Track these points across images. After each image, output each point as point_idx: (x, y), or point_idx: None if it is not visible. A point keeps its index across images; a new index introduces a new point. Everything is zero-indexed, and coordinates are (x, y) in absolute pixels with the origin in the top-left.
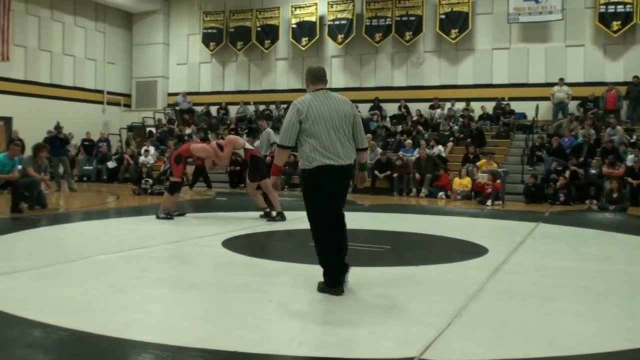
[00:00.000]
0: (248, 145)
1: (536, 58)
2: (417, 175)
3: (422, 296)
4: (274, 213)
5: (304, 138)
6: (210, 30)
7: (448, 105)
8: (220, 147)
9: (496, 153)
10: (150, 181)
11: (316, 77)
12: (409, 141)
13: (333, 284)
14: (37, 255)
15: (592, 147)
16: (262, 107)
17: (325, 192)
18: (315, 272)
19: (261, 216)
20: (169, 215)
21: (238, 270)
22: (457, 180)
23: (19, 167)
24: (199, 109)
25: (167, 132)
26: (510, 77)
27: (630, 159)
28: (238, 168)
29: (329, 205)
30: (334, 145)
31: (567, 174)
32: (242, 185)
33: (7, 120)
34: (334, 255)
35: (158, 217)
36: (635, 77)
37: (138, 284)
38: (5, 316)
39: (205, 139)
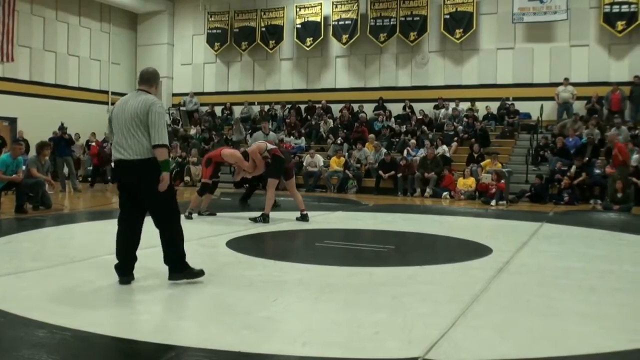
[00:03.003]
0: (270, 145)
1: (541, 58)
2: (426, 174)
3: (426, 296)
4: (258, 214)
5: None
6: (214, 31)
7: (452, 105)
8: (246, 155)
9: (500, 153)
10: None
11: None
12: (413, 141)
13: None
14: (42, 255)
15: (596, 147)
16: (266, 108)
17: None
18: (321, 273)
19: (297, 218)
20: (189, 216)
21: (242, 270)
22: (461, 180)
23: (23, 167)
24: (203, 109)
25: (172, 132)
26: (514, 77)
27: (635, 158)
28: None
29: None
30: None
31: (573, 169)
32: (246, 185)
33: (12, 121)
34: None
35: (186, 218)
36: (637, 76)
37: (142, 284)
38: (11, 317)
39: (234, 145)
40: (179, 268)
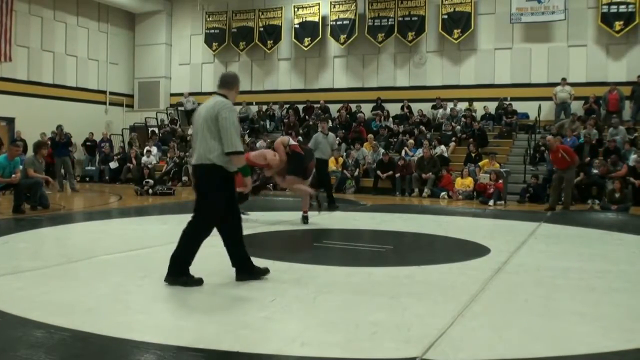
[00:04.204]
0: (292, 141)
1: (539, 58)
2: (424, 175)
3: (424, 296)
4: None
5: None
6: (212, 31)
7: (450, 105)
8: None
9: (498, 153)
10: (151, 182)
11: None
12: (411, 141)
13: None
14: (40, 255)
15: (594, 147)
16: (264, 108)
17: None
18: (319, 273)
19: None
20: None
21: None
22: (459, 180)
23: (20, 167)
24: None
25: (170, 132)
26: (512, 77)
27: (632, 158)
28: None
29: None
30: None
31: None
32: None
33: (10, 121)
34: None
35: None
36: (639, 76)
37: (141, 284)
38: (9, 317)
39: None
40: (174, 271)
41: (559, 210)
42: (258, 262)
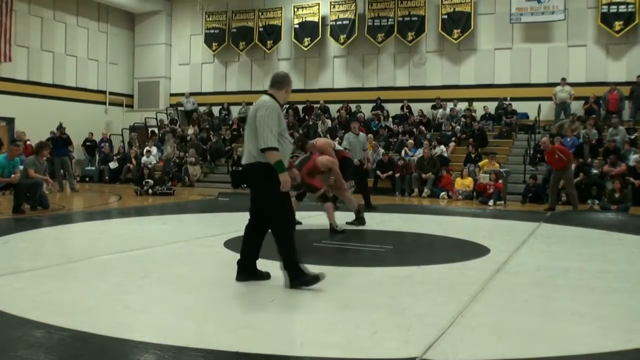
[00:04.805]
0: (338, 147)
1: (538, 58)
2: (424, 175)
3: (424, 296)
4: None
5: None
6: (212, 31)
7: (450, 105)
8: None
9: (498, 153)
10: (151, 182)
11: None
12: (411, 141)
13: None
14: (40, 255)
15: (593, 147)
16: None
17: None
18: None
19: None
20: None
21: None
22: (459, 180)
23: (20, 167)
24: (201, 109)
25: (170, 132)
26: (512, 77)
27: (633, 158)
28: (240, 168)
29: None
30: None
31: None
32: (244, 185)
33: (10, 121)
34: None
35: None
36: (639, 76)
37: (141, 284)
38: (8, 317)
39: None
40: (295, 274)
41: (563, 210)
42: (259, 262)
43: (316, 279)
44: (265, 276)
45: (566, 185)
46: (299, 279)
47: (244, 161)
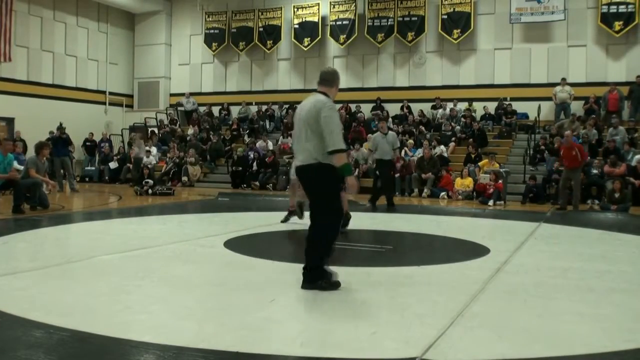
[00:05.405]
0: None
1: (538, 58)
2: (424, 175)
3: (423, 296)
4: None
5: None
6: (212, 31)
7: (450, 105)
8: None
9: (498, 153)
10: (151, 182)
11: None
12: (411, 141)
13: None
14: (39, 255)
15: (593, 147)
16: (264, 108)
17: None
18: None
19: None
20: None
21: (240, 270)
22: (459, 180)
23: (15, 163)
24: (201, 109)
25: (170, 132)
26: (512, 78)
27: (636, 159)
28: (240, 168)
29: None
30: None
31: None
32: (244, 185)
33: (10, 121)
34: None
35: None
36: (639, 77)
37: (140, 284)
38: (8, 317)
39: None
40: (311, 278)
41: (569, 210)
42: (258, 261)
43: (337, 285)
44: (336, 284)
45: (573, 186)
46: (323, 280)
47: (301, 162)
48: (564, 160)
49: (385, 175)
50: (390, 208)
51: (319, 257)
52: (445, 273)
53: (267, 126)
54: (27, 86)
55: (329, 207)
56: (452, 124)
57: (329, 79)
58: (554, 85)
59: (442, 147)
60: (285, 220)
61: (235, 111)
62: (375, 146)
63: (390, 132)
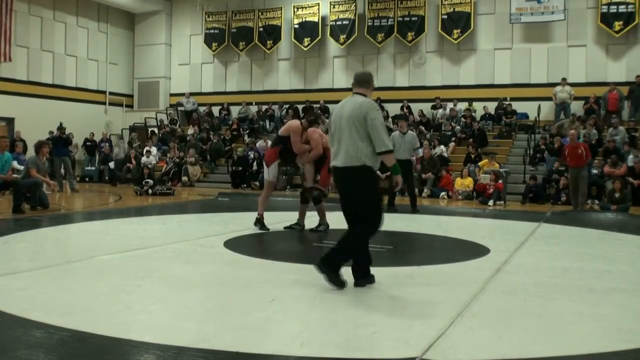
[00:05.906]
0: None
1: (538, 58)
2: (424, 175)
3: (423, 296)
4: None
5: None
6: (212, 31)
7: (450, 105)
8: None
9: (498, 153)
10: (151, 182)
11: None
12: None
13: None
14: (39, 255)
15: (593, 147)
16: (264, 108)
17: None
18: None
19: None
20: None
21: (240, 270)
22: (459, 180)
23: (15, 163)
24: (201, 109)
25: (170, 132)
26: (512, 78)
27: (630, 158)
28: (240, 168)
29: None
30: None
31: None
32: (244, 185)
33: (10, 121)
34: None
35: None
36: (638, 76)
37: (140, 284)
38: (8, 317)
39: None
40: (334, 268)
41: (563, 210)
42: (258, 261)
43: (342, 284)
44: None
45: (580, 185)
46: (332, 273)
47: (342, 163)
48: (570, 159)
49: (404, 176)
50: (391, 208)
51: (347, 253)
52: (445, 273)
53: (267, 126)
54: (27, 86)
55: (373, 207)
56: (452, 124)
57: (367, 80)
58: (554, 85)
59: (442, 147)
60: (294, 227)
61: (235, 111)
62: (391, 146)
63: (409, 132)
